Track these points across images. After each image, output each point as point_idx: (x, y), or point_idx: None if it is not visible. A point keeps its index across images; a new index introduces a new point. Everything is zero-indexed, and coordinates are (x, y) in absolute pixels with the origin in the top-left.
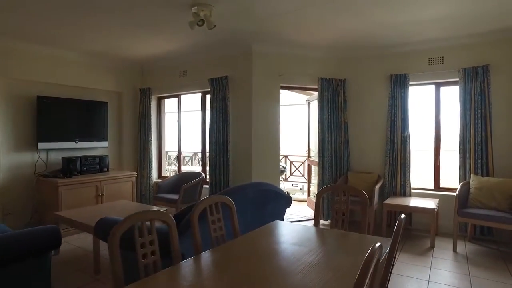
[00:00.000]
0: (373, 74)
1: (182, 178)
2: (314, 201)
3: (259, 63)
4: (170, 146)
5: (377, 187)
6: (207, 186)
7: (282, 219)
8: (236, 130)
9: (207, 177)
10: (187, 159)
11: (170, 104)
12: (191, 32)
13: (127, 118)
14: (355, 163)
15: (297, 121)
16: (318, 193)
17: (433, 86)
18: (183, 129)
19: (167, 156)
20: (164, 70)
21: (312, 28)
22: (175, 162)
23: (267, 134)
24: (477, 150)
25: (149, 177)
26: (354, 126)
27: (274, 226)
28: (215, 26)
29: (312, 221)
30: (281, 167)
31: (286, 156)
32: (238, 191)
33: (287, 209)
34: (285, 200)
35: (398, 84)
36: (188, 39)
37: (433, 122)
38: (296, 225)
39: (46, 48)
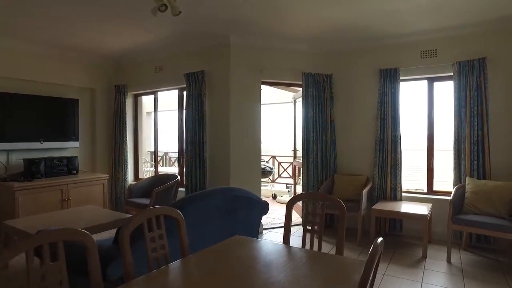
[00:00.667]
0: (362, 68)
1: (157, 181)
2: (300, 204)
3: (237, 56)
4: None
5: (365, 191)
6: (184, 189)
7: (257, 228)
8: (214, 129)
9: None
10: (173, 159)
11: (151, 102)
12: (162, 22)
13: (101, 116)
14: (342, 164)
15: (285, 121)
16: (288, 202)
17: (425, 82)
18: (167, 128)
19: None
20: (139, 65)
21: (296, 17)
22: (161, 163)
23: (246, 133)
24: (473, 150)
25: (125, 179)
26: (342, 125)
27: (233, 243)
28: (180, 12)
29: (298, 226)
30: (268, 168)
31: (274, 157)
32: (202, 198)
33: (271, 214)
34: (260, 207)
35: (388, 79)
36: (160, 29)
37: (426, 121)
38: (258, 242)
39: (4, 39)
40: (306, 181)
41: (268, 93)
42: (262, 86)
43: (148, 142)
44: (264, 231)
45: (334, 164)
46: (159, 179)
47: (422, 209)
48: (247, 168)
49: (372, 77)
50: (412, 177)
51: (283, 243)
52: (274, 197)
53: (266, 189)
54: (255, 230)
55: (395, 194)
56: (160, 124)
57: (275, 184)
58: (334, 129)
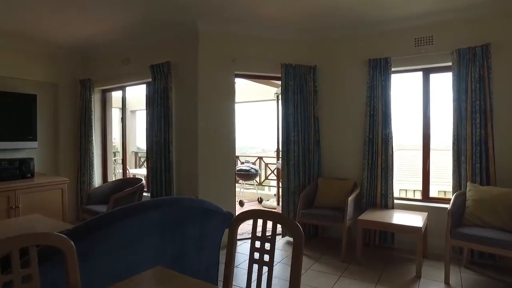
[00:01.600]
0: (349, 59)
1: (121, 185)
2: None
3: (207, 45)
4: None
5: (351, 198)
6: (149, 195)
7: (217, 245)
8: (181, 127)
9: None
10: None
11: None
12: (126, 9)
13: (65, 114)
14: (327, 167)
15: (270, 119)
16: (231, 225)
17: (420, 73)
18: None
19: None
20: (106, 57)
21: (274, 0)
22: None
23: (218, 133)
24: (475, 151)
25: (90, 183)
26: (327, 123)
27: (151, 276)
28: None
29: (279, 237)
30: (253, 170)
31: (260, 158)
32: (134, 213)
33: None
34: (221, 219)
35: (378, 71)
36: (125, 17)
37: (421, 117)
38: (180, 279)
39: None
40: (287, 185)
41: (251, 90)
42: (241, 81)
43: (132, 142)
44: (239, 242)
45: (318, 166)
46: (124, 183)
47: (417, 220)
48: (219, 172)
49: (360, 68)
50: (406, 180)
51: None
52: (260, 201)
53: (252, 193)
54: (214, 248)
55: (386, 201)
56: (142, 123)
57: (267, 188)
58: (318, 127)
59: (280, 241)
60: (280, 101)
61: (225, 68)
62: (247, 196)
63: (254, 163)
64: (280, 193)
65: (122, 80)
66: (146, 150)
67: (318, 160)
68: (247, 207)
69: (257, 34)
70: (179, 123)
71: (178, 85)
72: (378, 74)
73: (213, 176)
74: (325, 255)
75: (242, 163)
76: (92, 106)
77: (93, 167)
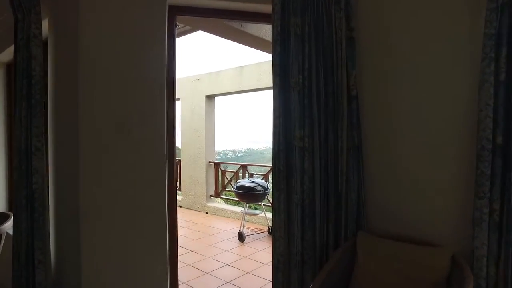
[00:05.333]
0: None
1: None
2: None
3: None
4: None
5: None
6: None
7: None
8: (57, 118)
9: None
10: None
11: None
12: None
13: None
14: (379, 208)
15: None
16: None
17: None
18: None
19: None
20: None
21: None
22: None
23: (135, 130)
24: None
25: None
26: (378, 108)
27: None
28: None
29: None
30: (260, 187)
31: None
32: None
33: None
34: None
35: None
36: None
37: None
38: None
39: None
40: (286, 248)
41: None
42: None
43: None
44: None
45: (359, 206)
46: None
47: None
48: (133, 214)
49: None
50: None
51: None
52: (271, 232)
53: (261, 218)
54: None
55: None
56: None
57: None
58: (357, 118)
59: None
60: (273, 66)
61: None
62: (252, 223)
63: (265, 177)
64: (273, 263)
65: None
66: None
67: (358, 190)
68: (250, 243)
69: None
70: (57, 101)
71: (57, 32)
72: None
73: (119, 224)
74: None
75: (251, 175)
76: None
77: None
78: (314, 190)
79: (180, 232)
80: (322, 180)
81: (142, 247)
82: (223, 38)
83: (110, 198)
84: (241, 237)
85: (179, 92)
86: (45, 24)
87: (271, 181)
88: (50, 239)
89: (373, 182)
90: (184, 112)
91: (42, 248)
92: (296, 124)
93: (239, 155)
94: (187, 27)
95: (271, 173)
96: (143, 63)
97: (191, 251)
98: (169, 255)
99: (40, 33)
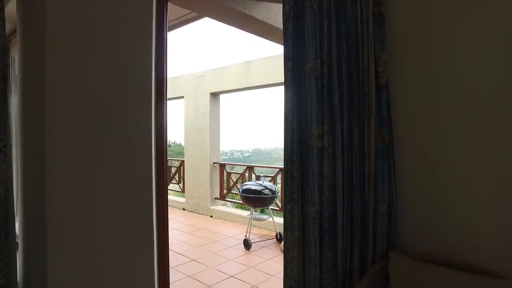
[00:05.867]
0: None
1: None
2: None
3: None
4: None
5: None
6: None
7: None
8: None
9: None
10: None
11: None
12: None
13: None
14: (416, 224)
15: None
16: None
17: None
18: None
19: None
20: None
21: None
22: None
23: (123, 127)
24: None
25: None
26: (414, 103)
27: None
28: None
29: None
30: (267, 190)
31: (282, 169)
32: None
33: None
34: None
35: None
36: None
37: None
38: None
39: None
40: (301, 271)
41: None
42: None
43: None
44: None
45: (390, 219)
46: None
47: None
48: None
49: None
50: None
51: None
52: (280, 238)
53: (268, 223)
54: None
55: None
56: None
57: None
58: (388, 112)
59: None
60: (285, 49)
61: None
62: (259, 228)
63: (272, 179)
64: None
65: None
66: None
67: (389, 201)
68: (257, 251)
69: None
70: (24, 106)
71: (21, 22)
72: None
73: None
74: None
75: (258, 178)
76: None
77: None
78: (335, 201)
79: (182, 238)
80: (345, 188)
81: (125, 261)
82: (226, 25)
83: (82, 207)
84: (247, 244)
85: (182, 89)
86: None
87: (279, 183)
88: (18, 261)
89: (408, 191)
90: (188, 110)
91: (3, 269)
92: (313, 119)
93: (246, 155)
94: (187, 16)
95: (280, 175)
96: (124, 57)
97: (193, 259)
98: (158, 266)
99: (2, 19)
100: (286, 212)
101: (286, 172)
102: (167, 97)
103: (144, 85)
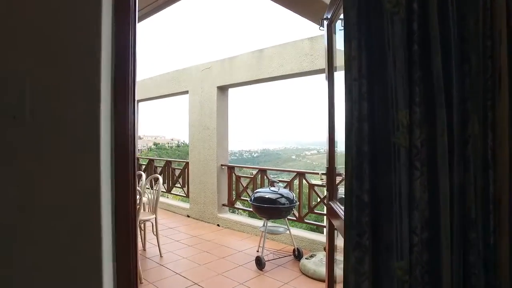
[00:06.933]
0: None
1: None
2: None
3: None
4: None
5: None
6: None
7: None
8: None
9: None
10: None
11: None
12: None
13: None
14: None
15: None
16: None
17: None
18: None
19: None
20: None
21: None
22: None
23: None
24: None
25: None
26: None
27: None
28: None
29: None
30: (284, 199)
31: (301, 174)
32: None
33: None
34: None
35: None
36: None
37: None
38: None
39: None
40: None
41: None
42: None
43: None
44: None
45: None
46: None
47: None
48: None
49: None
50: None
51: None
52: (298, 255)
53: (285, 237)
54: None
55: None
56: None
57: (313, 228)
58: None
59: None
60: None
61: None
62: (273, 241)
63: (288, 185)
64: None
65: None
66: None
67: None
68: (271, 271)
69: None
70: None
71: None
72: None
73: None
74: None
75: (272, 184)
76: None
77: None
78: (440, 247)
79: (184, 253)
80: (456, 224)
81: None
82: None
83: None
84: (259, 263)
85: (187, 83)
86: None
87: (296, 190)
88: None
89: None
90: (193, 106)
91: None
92: (397, 96)
93: (255, 155)
94: None
95: (297, 181)
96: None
97: (195, 283)
98: None
99: None
100: (349, 267)
101: (350, 193)
102: (169, 94)
103: (87, 80)
